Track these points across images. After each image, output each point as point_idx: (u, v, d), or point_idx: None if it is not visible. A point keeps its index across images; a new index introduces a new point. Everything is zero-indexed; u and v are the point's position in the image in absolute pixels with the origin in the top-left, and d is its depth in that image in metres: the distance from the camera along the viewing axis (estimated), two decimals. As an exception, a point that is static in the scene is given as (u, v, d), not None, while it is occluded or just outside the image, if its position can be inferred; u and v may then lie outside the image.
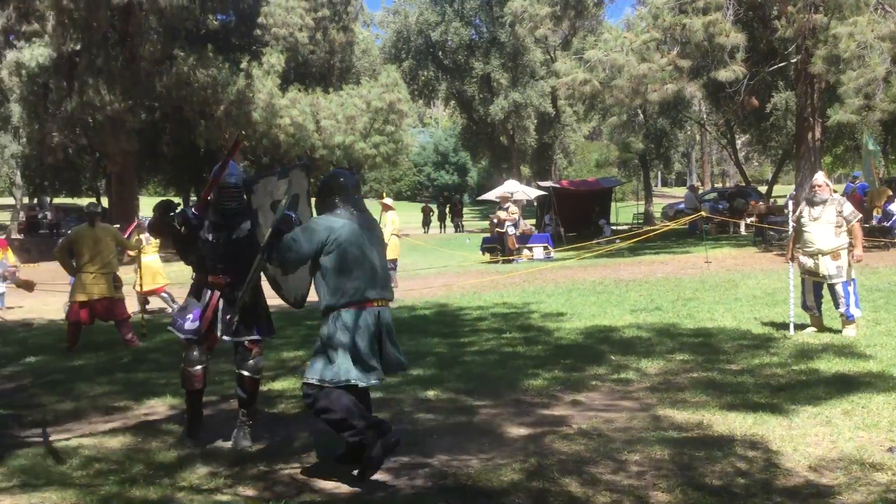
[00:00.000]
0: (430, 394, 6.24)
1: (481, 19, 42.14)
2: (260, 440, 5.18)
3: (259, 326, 5.22)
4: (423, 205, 42.29)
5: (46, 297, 13.93)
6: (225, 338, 5.17)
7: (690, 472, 4.23)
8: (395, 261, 15.49)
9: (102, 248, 9.36)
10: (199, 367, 5.21)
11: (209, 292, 5.18)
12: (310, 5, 34.22)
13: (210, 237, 5.20)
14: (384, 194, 18.51)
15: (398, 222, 15.83)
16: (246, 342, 5.13)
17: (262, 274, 4.99)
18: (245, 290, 4.86)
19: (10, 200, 46.88)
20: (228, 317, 5.06)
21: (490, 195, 29.09)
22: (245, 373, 5.15)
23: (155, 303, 12.78)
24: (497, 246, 20.86)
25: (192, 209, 5.30)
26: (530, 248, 20.89)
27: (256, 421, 5.28)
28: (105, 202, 36.99)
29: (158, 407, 6.32)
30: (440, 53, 42.69)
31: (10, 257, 16.26)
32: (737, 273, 14.06)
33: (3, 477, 4.56)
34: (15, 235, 37.13)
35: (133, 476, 4.49)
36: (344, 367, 4.29)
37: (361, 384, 4.36)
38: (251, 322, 5.15)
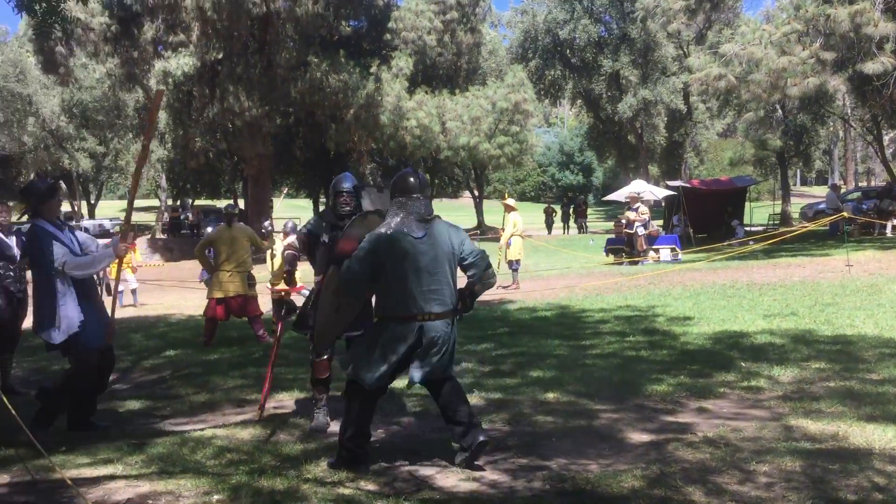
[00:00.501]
0: (550, 396, 6.18)
1: (611, 16, 41.44)
2: (381, 438, 5.29)
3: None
4: (546, 206, 42.00)
5: (186, 294, 14.72)
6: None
7: (823, 486, 4.01)
8: (518, 261, 15.45)
9: (238, 247, 9.81)
10: (324, 357, 5.72)
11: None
12: (439, 8, 34.71)
13: (326, 239, 5.69)
14: (506, 195, 18.49)
15: (521, 223, 15.75)
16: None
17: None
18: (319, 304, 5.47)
19: (155, 202, 49.89)
20: None
21: (616, 195, 28.57)
22: None
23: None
24: (623, 248, 20.46)
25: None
26: (657, 250, 20.37)
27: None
28: (242, 204, 38.76)
29: (287, 401, 6.56)
30: (568, 52, 42.26)
31: (137, 257, 17.30)
32: (881, 277, 13.22)
33: (143, 464, 4.84)
34: (159, 235, 39.46)
35: (262, 467, 4.67)
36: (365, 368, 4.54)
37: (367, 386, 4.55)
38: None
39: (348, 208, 5.70)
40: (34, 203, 5.55)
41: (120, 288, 15.98)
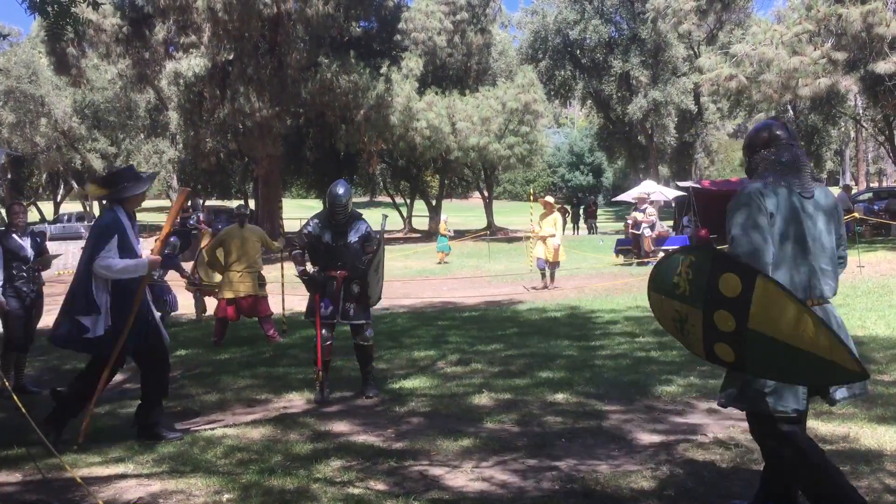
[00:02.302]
0: (559, 397, 6.18)
1: (622, 16, 41.36)
2: (390, 437, 5.31)
3: (367, 311, 6.64)
4: (559, 206, 42.02)
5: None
6: (341, 321, 6.58)
7: (834, 488, 3.99)
8: (558, 263, 15.16)
9: (249, 248, 9.82)
10: (328, 342, 6.59)
11: (333, 284, 6.53)
12: (449, 9, 34.71)
13: (331, 241, 6.56)
14: (531, 193, 18.27)
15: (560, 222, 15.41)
16: (362, 322, 6.58)
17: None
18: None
19: (166, 203, 50.04)
20: (346, 305, 6.52)
21: (626, 196, 28.53)
22: (362, 342, 6.59)
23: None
24: (632, 248, 20.42)
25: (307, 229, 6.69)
26: (666, 251, 20.30)
27: (373, 378, 6.71)
28: (252, 204, 38.86)
29: (297, 400, 6.58)
30: (578, 52, 42.21)
31: None
32: (892, 278, 13.16)
33: (154, 463, 4.86)
34: (171, 235, 39.60)
35: (271, 466, 4.68)
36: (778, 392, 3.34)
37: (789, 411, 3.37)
38: (364, 308, 6.58)
39: (342, 217, 6.56)
40: (125, 189, 5.37)
41: None
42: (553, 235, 14.68)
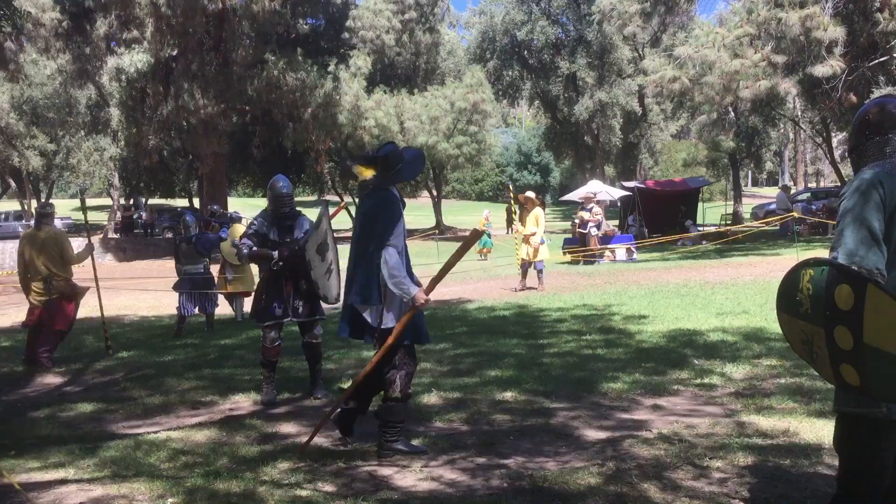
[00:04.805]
0: (508, 395, 6.21)
1: (568, 18, 41.83)
2: (338, 438, 5.26)
3: (318, 308, 6.57)
4: (508, 205, 42.28)
5: (139, 294, 14.46)
6: (293, 319, 6.49)
7: (775, 481, 4.09)
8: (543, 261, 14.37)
9: (39, 260, 8.49)
10: (277, 343, 6.48)
11: (282, 282, 6.43)
12: (397, 8, 34.72)
13: (277, 239, 6.54)
14: (511, 190, 17.84)
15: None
16: (312, 319, 6.54)
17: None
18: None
19: (107, 201, 48.91)
20: (295, 302, 6.46)
21: (573, 195, 28.83)
22: (311, 340, 6.53)
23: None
24: (579, 247, 20.66)
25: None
26: (612, 250, 20.59)
27: (321, 378, 6.67)
28: (196, 202, 38.25)
29: (243, 402, 6.50)
30: (525, 53, 42.56)
31: None
32: (831, 276, 13.49)
33: (95, 467, 4.76)
34: (112, 235, 38.71)
35: (217, 469, 4.61)
36: None
37: None
38: (314, 305, 6.52)
39: (287, 209, 6.61)
40: (402, 171, 4.94)
41: None
42: (535, 234, 13.91)
